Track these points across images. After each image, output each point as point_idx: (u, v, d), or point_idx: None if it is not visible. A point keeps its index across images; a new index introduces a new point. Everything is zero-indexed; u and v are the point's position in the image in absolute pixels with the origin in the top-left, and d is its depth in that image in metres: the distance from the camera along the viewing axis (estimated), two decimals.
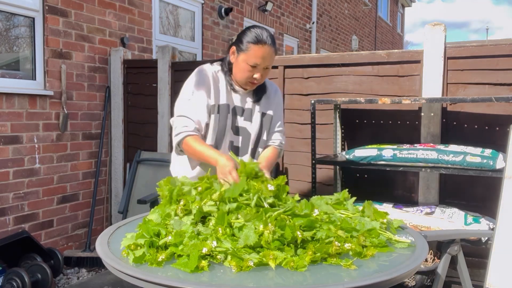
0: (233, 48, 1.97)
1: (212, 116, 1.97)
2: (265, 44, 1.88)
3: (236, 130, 2.01)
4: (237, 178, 1.65)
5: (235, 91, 2.02)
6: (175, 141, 1.95)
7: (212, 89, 1.98)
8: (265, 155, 2.05)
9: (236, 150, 2.01)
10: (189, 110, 1.94)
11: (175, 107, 2.01)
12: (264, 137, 2.07)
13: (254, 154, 2.06)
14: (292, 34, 8.03)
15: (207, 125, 1.96)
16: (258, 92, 2.05)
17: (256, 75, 1.92)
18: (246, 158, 2.01)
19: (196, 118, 1.93)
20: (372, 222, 1.49)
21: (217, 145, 1.99)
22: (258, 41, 1.88)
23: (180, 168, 2.07)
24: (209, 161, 1.84)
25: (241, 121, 2.02)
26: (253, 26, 1.95)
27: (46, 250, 3.40)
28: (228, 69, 2.01)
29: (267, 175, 1.74)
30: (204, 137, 1.97)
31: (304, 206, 1.50)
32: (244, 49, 1.90)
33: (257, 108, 2.05)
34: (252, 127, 2.03)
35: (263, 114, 2.06)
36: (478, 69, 2.88)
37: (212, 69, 2.04)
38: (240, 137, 2.02)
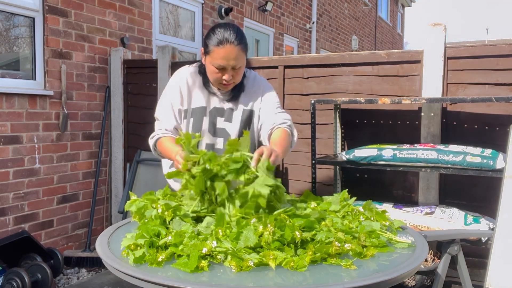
0: (202, 50, 1.94)
1: (184, 121, 1.97)
2: (227, 44, 1.81)
3: (214, 132, 1.97)
4: (180, 162, 1.55)
5: (213, 92, 1.98)
6: (150, 144, 1.98)
7: (183, 94, 1.97)
8: (275, 138, 1.87)
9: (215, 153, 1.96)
10: (162, 114, 1.99)
11: None
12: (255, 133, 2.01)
13: None
14: (292, 34, 8.03)
15: (179, 129, 1.97)
16: (234, 90, 1.99)
17: (225, 77, 1.87)
18: None
19: (168, 121, 1.96)
20: (373, 223, 1.48)
21: None
22: (219, 42, 1.82)
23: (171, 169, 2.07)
24: (170, 157, 1.80)
25: (221, 123, 1.98)
26: (218, 26, 1.89)
27: (46, 250, 3.40)
28: (204, 71, 1.97)
29: (273, 156, 1.55)
30: None
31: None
32: (209, 52, 1.86)
33: (237, 106, 2.00)
34: (232, 127, 1.98)
35: (244, 111, 2.00)
36: (478, 69, 2.88)
37: (188, 72, 2.02)
38: (221, 139, 1.97)
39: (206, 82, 1.98)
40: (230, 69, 1.86)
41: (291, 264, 1.23)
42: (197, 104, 1.97)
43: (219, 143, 1.98)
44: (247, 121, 2.00)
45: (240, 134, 1.95)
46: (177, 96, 1.97)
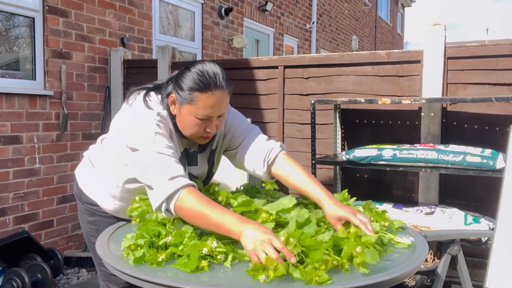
0: (172, 96, 1.51)
1: None
2: (216, 89, 1.44)
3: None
4: (284, 249, 1.18)
5: (181, 137, 1.61)
6: (159, 199, 1.39)
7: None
8: (308, 177, 1.61)
9: None
10: (168, 150, 1.46)
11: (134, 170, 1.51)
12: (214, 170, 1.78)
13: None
14: (292, 34, 8.03)
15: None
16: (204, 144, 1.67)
17: (209, 129, 1.50)
18: None
19: (178, 164, 1.46)
20: (372, 224, 1.48)
21: None
22: (207, 87, 1.44)
23: (102, 191, 1.76)
24: (227, 231, 1.31)
25: (186, 166, 1.65)
26: (196, 64, 1.49)
27: (46, 250, 3.40)
28: (170, 114, 1.56)
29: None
30: None
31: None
32: (188, 100, 1.46)
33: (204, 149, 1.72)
34: (197, 169, 1.70)
35: (211, 152, 1.73)
36: (478, 69, 2.88)
37: (162, 117, 1.51)
38: None
39: (177, 129, 1.58)
40: (215, 118, 1.50)
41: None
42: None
43: None
44: (212, 161, 1.75)
45: (208, 174, 1.76)
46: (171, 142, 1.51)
